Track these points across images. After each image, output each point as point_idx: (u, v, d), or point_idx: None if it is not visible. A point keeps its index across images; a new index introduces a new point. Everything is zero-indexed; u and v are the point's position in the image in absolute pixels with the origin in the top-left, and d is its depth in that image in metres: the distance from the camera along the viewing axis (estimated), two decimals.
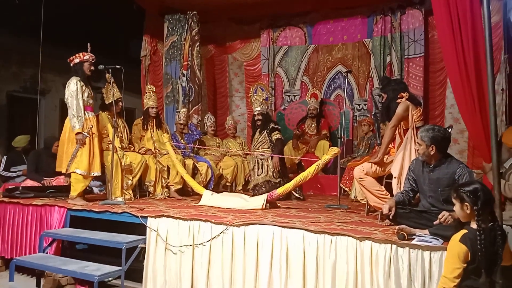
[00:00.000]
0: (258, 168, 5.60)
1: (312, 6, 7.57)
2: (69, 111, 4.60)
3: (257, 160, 5.62)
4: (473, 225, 2.20)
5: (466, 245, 2.13)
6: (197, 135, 6.60)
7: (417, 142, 3.30)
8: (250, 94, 5.99)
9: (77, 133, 4.55)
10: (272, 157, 5.46)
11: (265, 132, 5.62)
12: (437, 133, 3.15)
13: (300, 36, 7.93)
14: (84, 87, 4.72)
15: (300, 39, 7.93)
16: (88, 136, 4.64)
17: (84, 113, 4.67)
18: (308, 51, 7.86)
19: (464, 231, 2.20)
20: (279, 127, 5.76)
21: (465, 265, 2.13)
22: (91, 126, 4.70)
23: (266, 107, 5.87)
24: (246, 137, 7.92)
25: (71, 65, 4.78)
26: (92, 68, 4.80)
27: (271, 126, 5.64)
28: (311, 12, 7.74)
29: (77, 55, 4.76)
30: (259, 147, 5.64)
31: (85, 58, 4.74)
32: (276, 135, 5.59)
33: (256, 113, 5.73)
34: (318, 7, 7.59)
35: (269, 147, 5.58)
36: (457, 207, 2.28)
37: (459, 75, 3.25)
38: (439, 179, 3.19)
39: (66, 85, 4.67)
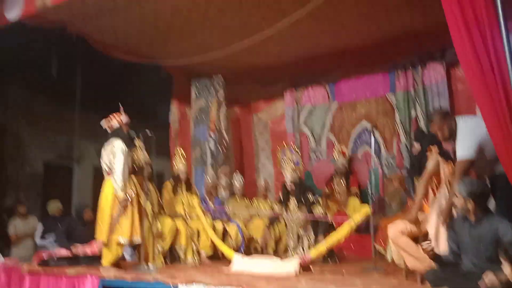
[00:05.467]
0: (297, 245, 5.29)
1: (333, 64, 7.68)
2: (115, 174, 4.37)
3: (297, 233, 5.34)
4: None
5: None
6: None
7: (455, 195, 3.20)
8: (278, 157, 5.90)
9: (122, 198, 4.38)
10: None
11: (304, 207, 5.31)
12: (475, 187, 3.07)
13: (323, 94, 8.04)
14: (128, 150, 4.56)
15: (323, 97, 8.03)
16: (130, 200, 4.46)
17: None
18: (332, 108, 7.94)
19: None
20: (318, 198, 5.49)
21: None
22: (134, 190, 4.54)
23: (298, 172, 5.58)
24: (275, 196, 7.86)
25: (109, 130, 4.60)
26: (129, 129, 4.66)
27: (311, 199, 5.36)
28: (332, 70, 7.86)
29: (112, 117, 4.60)
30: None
31: (123, 120, 4.59)
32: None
33: (288, 183, 5.47)
34: (339, 65, 7.69)
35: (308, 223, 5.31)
36: (507, 269, 2.16)
37: (496, 116, 3.11)
38: (481, 236, 3.04)
39: (111, 148, 4.45)
